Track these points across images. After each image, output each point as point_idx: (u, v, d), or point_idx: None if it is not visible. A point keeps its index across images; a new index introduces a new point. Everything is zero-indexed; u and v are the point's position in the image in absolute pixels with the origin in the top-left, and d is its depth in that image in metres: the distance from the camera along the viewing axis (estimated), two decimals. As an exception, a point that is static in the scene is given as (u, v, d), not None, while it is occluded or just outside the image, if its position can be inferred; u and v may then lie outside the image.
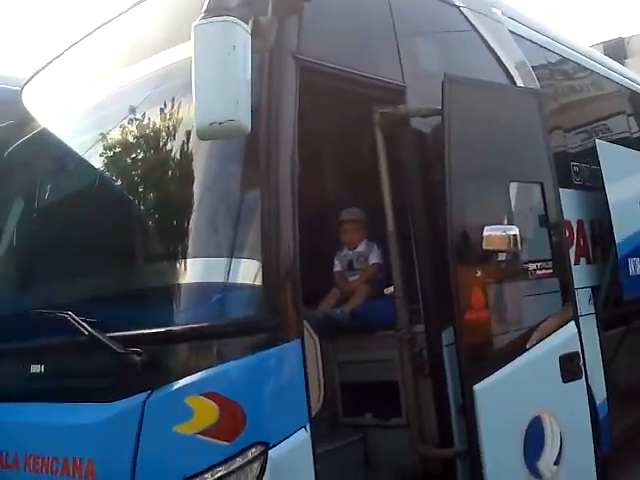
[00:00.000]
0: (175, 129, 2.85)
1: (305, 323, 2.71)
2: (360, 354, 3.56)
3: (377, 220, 3.48)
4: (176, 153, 2.85)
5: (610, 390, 4.31)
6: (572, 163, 4.71)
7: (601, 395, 4.20)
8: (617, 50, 18.13)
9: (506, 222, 3.27)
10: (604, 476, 3.59)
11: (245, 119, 2.33)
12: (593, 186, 4.72)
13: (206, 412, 2.34)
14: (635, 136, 5.87)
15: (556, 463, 3.19)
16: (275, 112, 2.62)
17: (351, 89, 3.08)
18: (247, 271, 2.57)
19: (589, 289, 4.43)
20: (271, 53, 2.63)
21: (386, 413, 3.45)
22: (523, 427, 3.05)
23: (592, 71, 5.48)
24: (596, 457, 3.43)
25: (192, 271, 2.65)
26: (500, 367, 3.05)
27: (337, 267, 3.84)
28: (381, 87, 3.18)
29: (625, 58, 17.79)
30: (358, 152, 3.88)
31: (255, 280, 2.54)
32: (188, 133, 2.70)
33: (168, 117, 2.85)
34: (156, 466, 2.34)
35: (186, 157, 2.79)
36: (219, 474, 2.31)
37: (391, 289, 3.37)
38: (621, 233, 4.56)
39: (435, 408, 3.15)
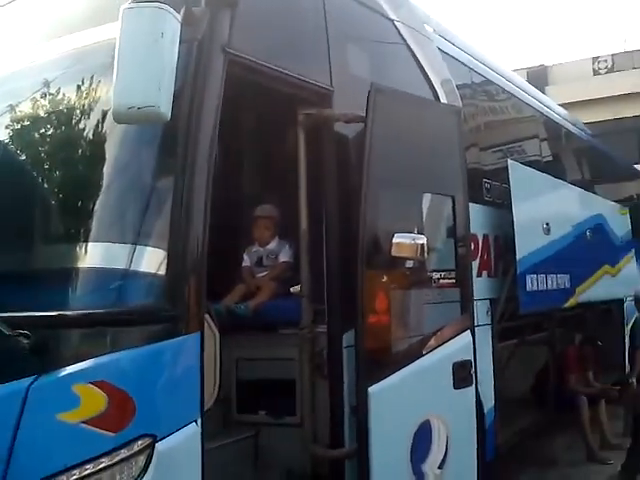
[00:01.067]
0: (91, 109, 2.74)
1: (206, 317, 2.67)
2: (260, 351, 3.57)
3: (291, 219, 3.49)
4: (89, 133, 2.74)
5: (498, 399, 4.55)
6: (484, 180, 4.92)
7: (489, 403, 4.41)
8: (540, 77, 19.14)
9: (416, 231, 3.37)
10: (486, 481, 3.78)
11: (165, 106, 2.29)
12: (501, 203, 4.94)
13: (93, 401, 2.26)
14: (545, 160, 6.19)
15: (440, 467, 3.32)
16: (197, 102, 2.57)
17: (278, 88, 3.07)
18: (150, 259, 2.51)
19: (488, 301, 4.65)
20: (200, 44, 2.58)
21: (281, 411, 3.47)
22: (412, 430, 3.16)
23: (512, 95, 5.74)
24: (479, 463, 3.59)
25: (92, 255, 2.56)
26: (396, 371, 3.15)
27: (246, 262, 3.82)
28: (308, 89, 3.19)
29: (546, 85, 18.76)
30: (279, 151, 3.88)
31: (158, 269, 2.49)
32: (104, 114, 2.61)
33: (84, 96, 2.75)
34: (36, 454, 2.22)
35: (99, 138, 2.69)
36: (102, 465, 2.24)
37: (297, 288, 3.39)
38: (522, 250, 4.80)
39: (330, 408, 3.20)
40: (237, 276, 3.79)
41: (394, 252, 3.16)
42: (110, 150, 2.67)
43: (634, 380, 5.35)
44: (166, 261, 2.48)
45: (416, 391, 3.22)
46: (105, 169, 2.66)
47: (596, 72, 20.38)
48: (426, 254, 3.20)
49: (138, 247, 2.51)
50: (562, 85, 19.34)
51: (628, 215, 7.89)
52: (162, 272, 2.47)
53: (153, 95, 2.25)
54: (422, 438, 3.19)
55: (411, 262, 3.32)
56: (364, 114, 3.17)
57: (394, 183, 3.36)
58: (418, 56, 3.94)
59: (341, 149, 3.34)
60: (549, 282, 5.17)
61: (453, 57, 4.59)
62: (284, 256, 3.72)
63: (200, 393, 2.48)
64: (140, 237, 2.54)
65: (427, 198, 3.53)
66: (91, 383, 2.26)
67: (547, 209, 5.42)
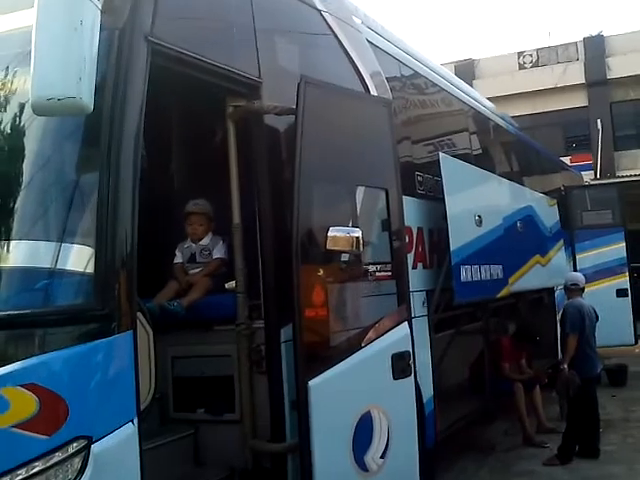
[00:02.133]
0: (8, 101, 2.63)
1: (139, 315, 2.62)
2: (196, 349, 3.51)
3: (224, 214, 3.44)
4: (7, 127, 2.62)
5: (437, 388, 4.61)
6: (417, 173, 4.98)
7: (428, 393, 4.48)
8: (467, 70, 19.67)
9: (350, 224, 3.37)
10: (427, 469, 3.82)
11: (87, 97, 2.21)
12: (434, 196, 5.02)
13: (24, 404, 2.20)
14: (475, 153, 6.33)
15: (382, 456, 3.33)
16: (121, 93, 2.50)
17: (205, 78, 3.01)
18: (78, 257, 2.44)
19: (424, 292, 4.72)
20: (122, 32, 2.51)
21: (219, 408, 3.42)
22: (353, 422, 3.16)
23: (441, 88, 5.84)
24: (420, 451, 3.63)
25: (16, 254, 2.47)
26: (335, 364, 3.14)
27: (178, 259, 3.73)
28: (236, 80, 3.15)
29: (474, 79, 19.30)
30: (209, 143, 3.82)
31: (86, 267, 2.42)
32: (24, 107, 2.49)
33: (1, 88, 2.63)
34: (-37, 462, 2.14)
35: (19, 132, 2.58)
36: (35, 469, 2.18)
37: (232, 284, 3.35)
38: (456, 242, 4.89)
39: (270, 403, 3.18)
40: (170, 273, 3.70)
41: (329, 246, 3.15)
42: (31, 144, 2.58)
43: (566, 366, 5.55)
44: (94, 259, 2.41)
45: (356, 383, 3.22)
46: (27, 164, 2.57)
47: (521, 66, 21.08)
48: (362, 247, 3.21)
49: (64, 245, 2.45)
50: (489, 79, 19.96)
51: (556, 207, 8.17)
52: (90, 270, 2.40)
53: (73, 86, 2.18)
54: (363, 429, 3.20)
55: (347, 255, 3.33)
56: (294, 106, 3.15)
57: (327, 176, 3.36)
58: (347, 48, 3.95)
59: (272, 142, 3.32)
60: (482, 273, 5.28)
61: (382, 50, 4.62)
62: (218, 252, 3.66)
63: (135, 392, 2.43)
64: (66, 234, 2.47)
65: (361, 191, 3.54)
66: (20, 386, 2.20)
67: (478, 201, 5.54)
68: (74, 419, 2.24)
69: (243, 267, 3.32)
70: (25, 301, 2.40)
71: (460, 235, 5.01)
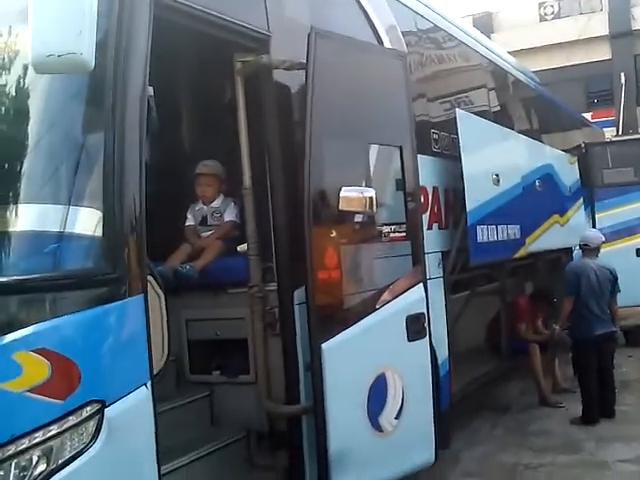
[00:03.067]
0: (9, 60, 2.55)
1: (150, 278, 2.58)
2: (210, 312, 3.49)
3: (235, 175, 3.37)
4: (10, 87, 2.55)
5: (452, 350, 4.57)
6: (432, 130, 4.85)
7: (443, 354, 4.44)
8: (485, 24, 19.05)
9: (364, 184, 3.28)
10: (442, 429, 3.81)
11: (88, 53, 2.12)
12: (450, 155, 4.89)
13: (37, 369, 2.18)
14: (494, 109, 6.15)
15: (397, 417, 3.31)
16: (124, 48, 2.40)
17: (211, 32, 2.91)
18: (86, 220, 2.38)
19: (439, 253, 4.64)
20: (124, -17, 2.40)
21: (234, 370, 3.41)
22: (368, 384, 3.13)
23: (459, 41, 5.63)
24: (435, 412, 3.61)
25: (24, 218, 2.41)
26: (349, 326, 3.10)
27: (190, 221, 3.68)
28: (243, 34, 3.04)
29: (492, 33, 18.74)
30: (218, 102, 3.73)
31: (95, 230, 2.36)
32: (24, 66, 2.41)
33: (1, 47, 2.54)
34: (-22, 426, 2.14)
35: (21, 92, 2.51)
36: (51, 433, 2.18)
37: (244, 247, 3.29)
38: (472, 202, 4.78)
39: (283, 366, 3.15)
40: (181, 236, 3.65)
41: (342, 206, 3.08)
42: (33, 104, 2.50)
43: (557, 327, 5.58)
44: (102, 222, 2.35)
45: (370, 345, 3.18)
46: (30, 126, 2.49)
47: (542, 18, 20.41)
48: (375, 207, 3.13)
49: (72, 208, 2.38)
50: (508, 32, 19.33)
51: (576, 164, 7.98)
52: (99, 233, 2.35)
53: (73, 41, 2.09)
54: (378, 391, 3.17)
55: (360, 216, 3.25)
56: (304, 60, 3.04)
57: (339, 134, 3.26)
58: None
59: (282, 99, 3.22)
60: (499, 233, 5.18)
61: (397, 0, 4.43)
62: (229, 214, 3.60)
63: (148, 356, 2.41)
64: (73, 197, 2.39)
65: (374, 149, 3.44)
66: (32, 351, 2.18)
67: (496, 160, 5.40)
68: (87, 383, 2.22)
69: (255, 230, 3.26)
70: (34, 265, 2.35)
71: (477, 195, 4.90)
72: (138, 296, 2.39)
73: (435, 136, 4.86)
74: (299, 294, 3.09)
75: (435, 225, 4.64)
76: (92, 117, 2.45)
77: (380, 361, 3.23)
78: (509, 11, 20.72)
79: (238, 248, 3.44)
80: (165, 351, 2.63)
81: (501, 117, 6.13)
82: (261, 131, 3.19)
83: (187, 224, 3.68)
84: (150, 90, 2.55)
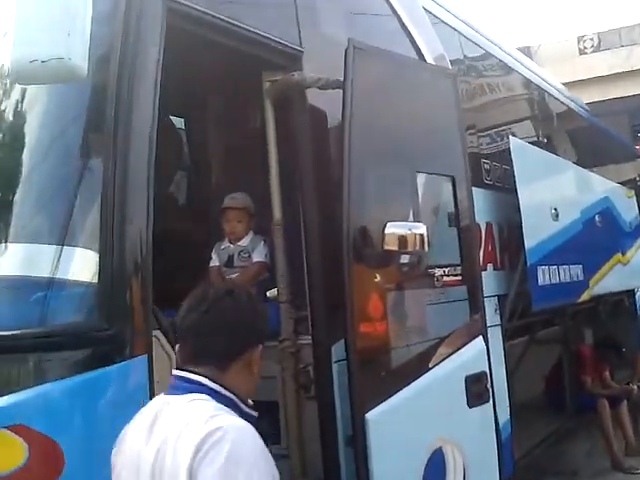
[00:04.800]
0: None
1: (158, 334, 2.15)
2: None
3: (265, 210, 2.93)
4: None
5: (513, 409, 3.99)
6: (483, 161, 4.37)
7: (504, 416, 3.84)
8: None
9: (412, 219, 2.81)
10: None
11: (79, 58, 1.75)
12: (504, 187, 4.40)
13: (10, 452, 1.77)
14: (546, 139, 5.66)
15: (457, 497, 2.75)
16: (129, 59, 2.03)
17: (236, 47, 2.52)
18: (77, 263, 2.00)
19: (495, 298, 4.09)
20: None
21: (263, 439, 2.89)
22: (422, 462, 2.59)
23: (509, 66, 5.19)
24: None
25: (2, 260, 2.02)
26: (398, 390, 2.58)
27: (214, 262, 3.24)
28: (273, 49, 2.65)
29: (533, 67, 18.26)
30: (245, 127, 3.33)
31: (87, 275, 1.98)
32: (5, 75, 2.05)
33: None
34: None
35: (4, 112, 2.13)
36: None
37: (274, 292, 2.83)
38: (531, 239, 4.25)
39: (320, 437, 2.64)
40: (206, 279, 3.21)
41: (387, 245, 2.60)
42: (18, 123, 2.13)
43: (635, 387, 4.90)
44: (97, 265, 1.95)
45: (424, 414, 2.65)
46: (14, 152, 2.10)
47: (582, 51, 19.91)
48: (426, 246, 2.64)
49: (61, 248, 1.99)
50: (548, 66, 18.72)
51: (634, 198, 7.37)
52: (93, 279, 1.95)
53: (60, 43, 1.71)
54: (434, 471, 2.63)
55: (408, 256, 2.76)
56: (341, 78, 2.62)
57: (383, 162, 2.82)
58: (400, 14, 3.37)
59: (316, 122, 2.80)
60: (562, 274, 4.62)
61: (441, 20, 4.02)
62: (258, 255, 3.15)
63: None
64: (63, 236, 2.01)
65: (422, 179, 2.98)
66: (6, 428, 1.77)
67: (554, 192, 4.87)
68: (71, 470, 1.78)
69: (286, 272, 2.80)
70: (11, 320, 1.94)
71: (535, 231, 4.36)
72: (140, 357, 1.97)
73: (487, 167, 4.38)
74: (338, 350, 2.60)
75: (490, 266, 4.11)
76: (88, 138, 2.08)
77: (436, 433, 2.69)
78: (548, 45, 20.28)
79: (267, 294, 2.99)
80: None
81: (554, 148, 5.63)
82: (293, 159, 2.76)
83: (211, 265, 3.24)
84: (178, 122, 2.16)
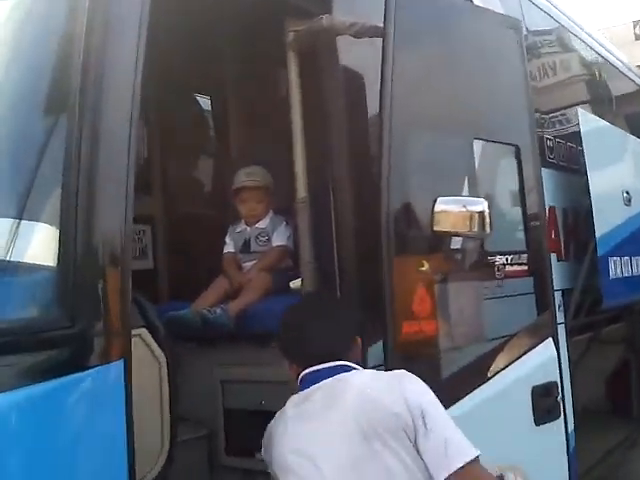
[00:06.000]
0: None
1: (143, 332, 1.72)
2: (253, 372, 2.56)
3: (287, 184, 2.47)
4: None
5: (577, 419, 3.45)
6: (546, 137, 3.81)
7: (569, 426, 3.31)
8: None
9: (466, 194, 2.30)
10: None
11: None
12: (569, 166, 3.84)
13: None
14: (617, 118, 5.04)
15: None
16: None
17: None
18: (29, 241, 1.55)
19: (559, 293, 3.53)
20: None
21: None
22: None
23: (578, 37, 4.61)
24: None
25: None
26: (448, 405, 2.06)
27: (228, 247, 2.80)
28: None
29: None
30: (263, 87, 2.85)
31: (43, 257, 1.54)
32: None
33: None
34: None
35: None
36: None
37: (298, 283, 2.37)
38: (602, 226, 3.67)
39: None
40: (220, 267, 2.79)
41: (437, 225, 2.10)
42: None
43: None
44: (58, 245, 1.51)
45: (480, 435, 2.12)
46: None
47: (638, 37, 18.86)
48: (487, 228, 2.12)
49: (11, 222, 1.54)
50: (602, 52, 17.96)
51: None
52: (51, 262, 1.51)
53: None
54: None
55: (462, 241, 2.26)
56: (381, 23, 2.13)
57: (430, 126, 2.30)
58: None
59: (350, 78, 2.30)
60: (635, 266, 4.04)
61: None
62: (279, 238, 2.70)
63: (128, 464, 1.50)
64: (14, 206, 1.56)
65: (479, 148, 2.45)
66: None
67: (626, 174, 4.29)
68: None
69: (312, 259, 2.34)
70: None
71: (606, 217, 3.78)
72: (114, 363, 1.52)
73: (550, 143, 3.82)
74: (374, 353, 2.13)
75: (553, 256, 3.56)
76: (48, 93, 1.64)
77: (496, 457, 2.17)
78: (603, 29, 19.29)
79: (291, 284, 2.53)
80: (165, 445, 1.74)
81: (625, 127, 5.02)
82: (321, 124, 2.29)
83: (225, 251, 2.80)
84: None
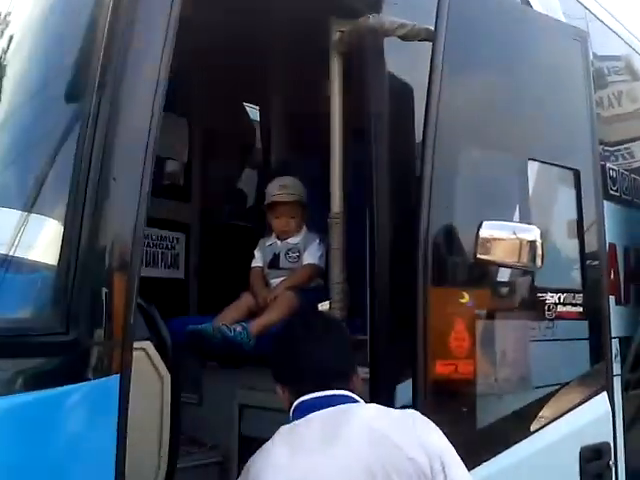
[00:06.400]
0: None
1: (147, 346, 1.56)
2: (270, 398, 2.33)
3: (322, 198, 2.29)
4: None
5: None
6: (609, 166, 3.53)
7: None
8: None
9: (516, 220, 2.06)
10: None
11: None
12: (635, 202, 3.54)
13: None
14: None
15: None
16: None
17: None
18: (25, 235, 1.39)
19: (616, 340, 3.22)
20: None
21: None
22: None
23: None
24: None
25: None
26: (482, 460, 1.83)
27: (257, 261, 2.64)
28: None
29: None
30: (302, 93, 2.69)
31: (40, 254, 1.40)
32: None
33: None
34: None
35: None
36: None
37: (326, 305, 2.16)
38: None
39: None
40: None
41: (481, 253, 1.87)
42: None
43: None
44: (59, 242, 1.36)
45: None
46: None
47: None
48: (539, 259, 1.88)
49: (9, 213, 1.40)
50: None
51: None
52: (50, 261, 1.37)
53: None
54: None
55: (510, 272, 2.02)
56: (432, 26, 1.96)
57: (481, 141, 2.09)
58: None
59: (396, 83, 2.11)
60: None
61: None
62: (310, 256, 2.52)
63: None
64: (12, 196, 1.43)
65: (534, 170, 2.22)
66: None
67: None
68: None
69: (342, 280, 2.14)
70: None
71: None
72: (110, 378, 1.37)
73: (612, 174, 3.53)
74: (403, 392, 1.91)
75: (611, 299, 3.25)
76: (66, 83, 1.50)
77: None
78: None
79: (319, 306, 2.33)
80: (162, 471, 1.55)
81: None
82: (363, 132, 2.09)
83: (253, 265, 2.63)
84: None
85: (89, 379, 1.35)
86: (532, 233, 1.85)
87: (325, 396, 1.57)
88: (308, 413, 1.56)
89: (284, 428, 1.58)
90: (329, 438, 1.49)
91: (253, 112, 3.62)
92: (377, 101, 2.07)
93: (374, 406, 1.62)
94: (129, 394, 1.38)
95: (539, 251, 1.84)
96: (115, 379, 1.37)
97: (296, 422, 1.58)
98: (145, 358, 1.56)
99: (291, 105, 2.99)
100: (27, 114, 1.51)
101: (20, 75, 1.57)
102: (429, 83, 1.94)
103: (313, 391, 1.58)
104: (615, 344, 3.18)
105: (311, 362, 1.63)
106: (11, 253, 1.36)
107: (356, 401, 1.59)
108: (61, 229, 1.36)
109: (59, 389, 1.30)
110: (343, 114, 2.17)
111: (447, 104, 1.94)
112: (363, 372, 2.05)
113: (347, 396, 1.58)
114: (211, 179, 3.36)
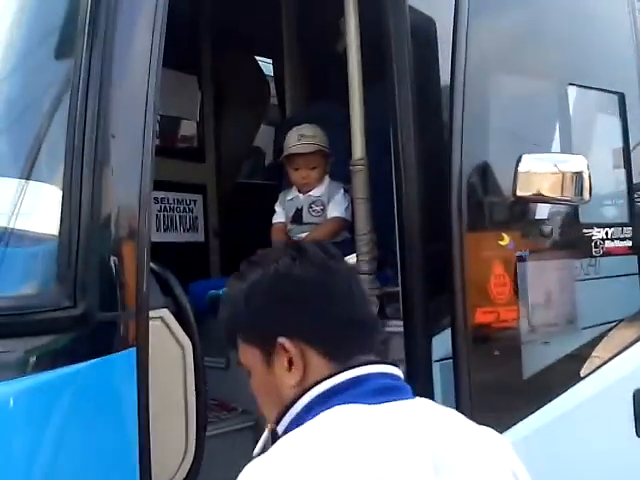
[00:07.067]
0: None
1: (165, 314, 1.46)
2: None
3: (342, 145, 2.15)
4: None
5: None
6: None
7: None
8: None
9: (557, 151, 1.91)
10: None
11: None
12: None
13: None
14: None
15: None
16: None
17: None
18: (24, 204, 1.30)
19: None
20: None
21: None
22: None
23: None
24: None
25: None
26: (530, 411, 1.73)
27: (278, 217, 2.51)
28: None
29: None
30: (318, 34, 2.53)
31: (41, 223, 1.32)
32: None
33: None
34: None
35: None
36: None
37: (353, 258, 2.04)
38: None
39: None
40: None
41: (521, 189, 1.73)
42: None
43: None
44: (60, 209, 1.27)
45: (570, 444, 1.79)
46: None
47: None
48: (588, 193, 1.73)
49: (13, 185, 1.30)
50: None
51: None
52: (52, 230, 1.28)
53: None
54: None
55: (554, 208, 1.88)
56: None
57: (513, 67, 1.94)
58: None
59: (417, 18, 1.92)
60: None
61: None
62: (336, 208, 2.38)
63: (140, 470, 1.28)
64: (9, 163, 1.35)
65: (575, 95, 2.04)
66: None
67: None
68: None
69: (369, 232, 2.01)
70: None
71: None
72: (125, 352, 1.29)
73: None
74: (441, 343, 1.81)
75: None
76: (58, 38, 1.40)
77: (589, 473, 1.83)
78: None
79: (345, 260, 2.22)
80: (190, 443, 1.49)
81: None
82: (382, 73, 1.93)
83: (274, 221, 2.52)
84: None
85: (103, 355, 1.27)
86: (578, 164, 1.70)
87: (392, 375, 0.99)
88: (380, 397, 0.93)
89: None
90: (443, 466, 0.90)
91: (266, 67, 3.48)
92: (398, 40, 1.90)
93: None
94: (148, 367, 1.31)
95: (586, 183, 1.69)
96: (132, 352, 1.30)
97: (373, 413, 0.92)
98: (163, 327, 1.48)
99: (307, 53, 2.84)
100: (15, 72, 1.40)
101: (8, 31, 1.45)
102: (455, 6, 1.78)
103: (362, 356, 0.99)
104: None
105: (354, 308, 1.02)
106: (6, 225, 1.27)
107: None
108: (59, 195, 1.27)
109: (68, 368, 1.23)
110: (361, 53, 2.01)
111: (477, 28, 1.77)
112: (396, 326, 1.98)
113: (399, 377, 1.00)
114: (225, 138, 3.24)
